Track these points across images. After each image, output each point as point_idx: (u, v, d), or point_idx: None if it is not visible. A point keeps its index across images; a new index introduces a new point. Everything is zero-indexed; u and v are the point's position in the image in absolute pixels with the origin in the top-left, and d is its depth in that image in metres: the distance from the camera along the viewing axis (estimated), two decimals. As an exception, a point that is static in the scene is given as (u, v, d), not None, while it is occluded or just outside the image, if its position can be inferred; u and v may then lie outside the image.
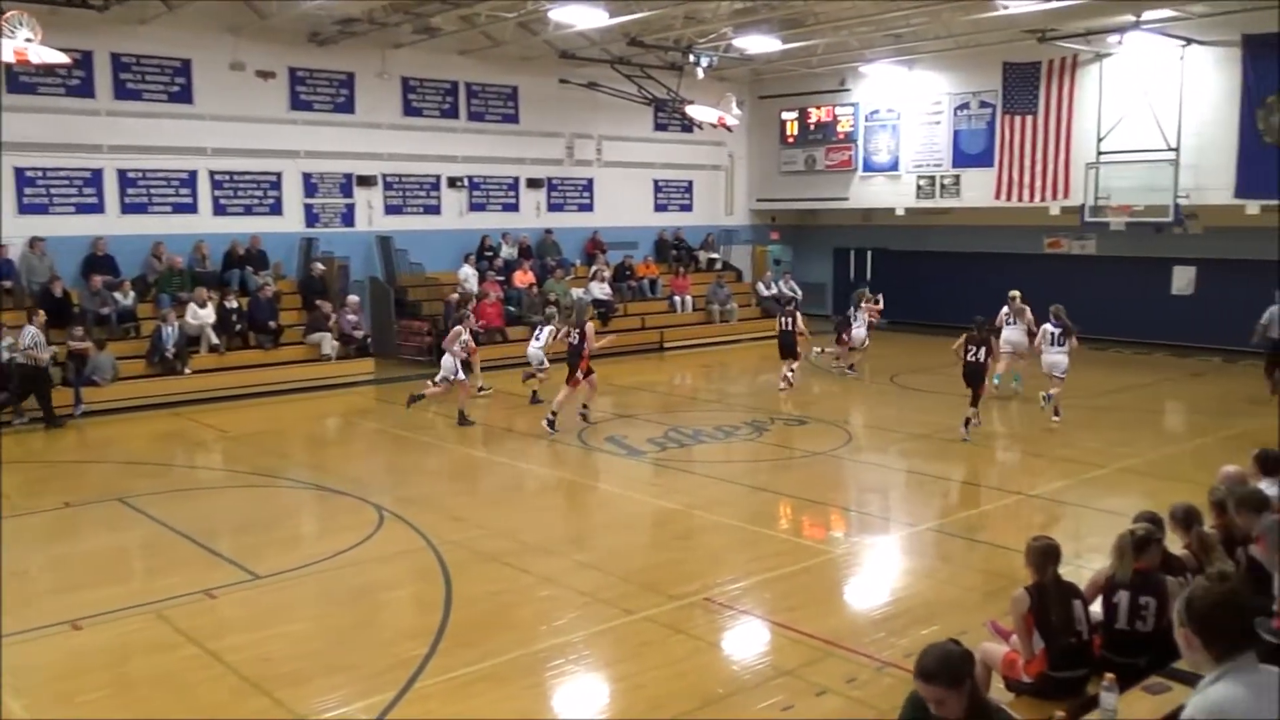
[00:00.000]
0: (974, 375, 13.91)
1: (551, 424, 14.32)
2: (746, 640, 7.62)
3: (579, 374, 14.51)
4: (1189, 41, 19.68)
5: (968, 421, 13.86)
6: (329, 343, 18.68)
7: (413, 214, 22.25)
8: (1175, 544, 6.20)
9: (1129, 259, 22.15)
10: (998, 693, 5.56)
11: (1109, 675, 4.62)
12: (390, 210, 21.90)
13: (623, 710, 6.47)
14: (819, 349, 20.23)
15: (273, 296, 18.88)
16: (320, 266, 19.92)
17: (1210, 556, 5.93)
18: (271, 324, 18.57)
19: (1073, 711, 4.62)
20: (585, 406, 14.97)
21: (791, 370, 17.68)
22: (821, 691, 6.48)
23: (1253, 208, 19.36)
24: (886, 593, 8.60)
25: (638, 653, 7.18)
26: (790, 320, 17.66)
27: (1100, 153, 21.09)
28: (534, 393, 16.75)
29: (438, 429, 15.18)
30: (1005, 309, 16.62)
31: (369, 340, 19.69)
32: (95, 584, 8.57)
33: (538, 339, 16.79)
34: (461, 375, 15.27)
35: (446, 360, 15.27)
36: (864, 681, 6.62)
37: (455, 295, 20.57)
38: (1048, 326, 14.84)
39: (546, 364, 16.64)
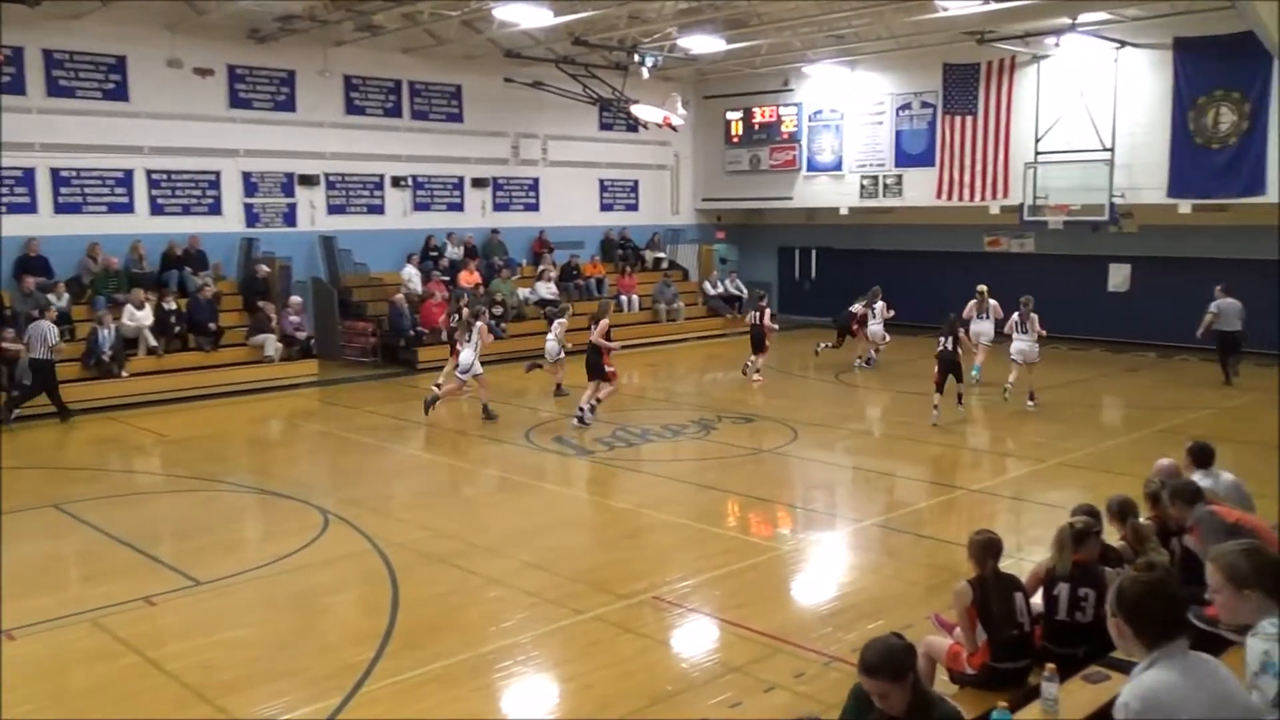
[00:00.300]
0: (948, 364, 14.71)
1: (592, 409, 14.72)
2: (695, 638, 7.65)
3: (609, 369, 14.77)
4: (1123, 44, 20.12)
5: (960, 396, 15.17)
6: (272, 344, 18.42)
7: (356, 214, 22.01)
8: (1112, 535, 6.34)
9: (1067, 257, 22.59)
10: (942, 685, 5.65)
11: (1050, 665, 4.70)
12: (333, 210, 21.64)
13: (572, 710, 6.46)
14: (823, 344, 20.37)
15: (213, 298, 18.56)
16: (265, 268, 19.61)
17: (1145, 547, 6.06)
18: (211, 326, 18.25)
19: (1015, 701, 4.69)
20: (561, 387, 15.43)
21: (752, 362, 18.44)
22: (770, 688, 6.52)
23: (1184, 207, 19.85)
24: (833, 588, 8.69)
25: (586, 652, 7.17)
26: (760, 315, 18.47)
27: (1038, 153, 21.48)
28: (558, 385, 17.07)
29: (382, 431, 15.03)
30: (973, 302, 17.34)
31: (312, 342, 19.44)
32: (29, 593, 8.33)
33: (553, 332, 17.22)
34: (476, 370, 15.08)
35: (466, 355, 14.98)
36: (811, 676, 6.68)
37: (400, 295, 20.43)
38: (1016, 316, 15.84)
39: (563, 355, 17.02)
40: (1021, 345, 15.72)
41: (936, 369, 14.72)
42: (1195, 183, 19.61)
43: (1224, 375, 17.70)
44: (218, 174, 19.94)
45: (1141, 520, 6.42)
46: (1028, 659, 5.43)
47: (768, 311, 18.71)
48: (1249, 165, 18.90)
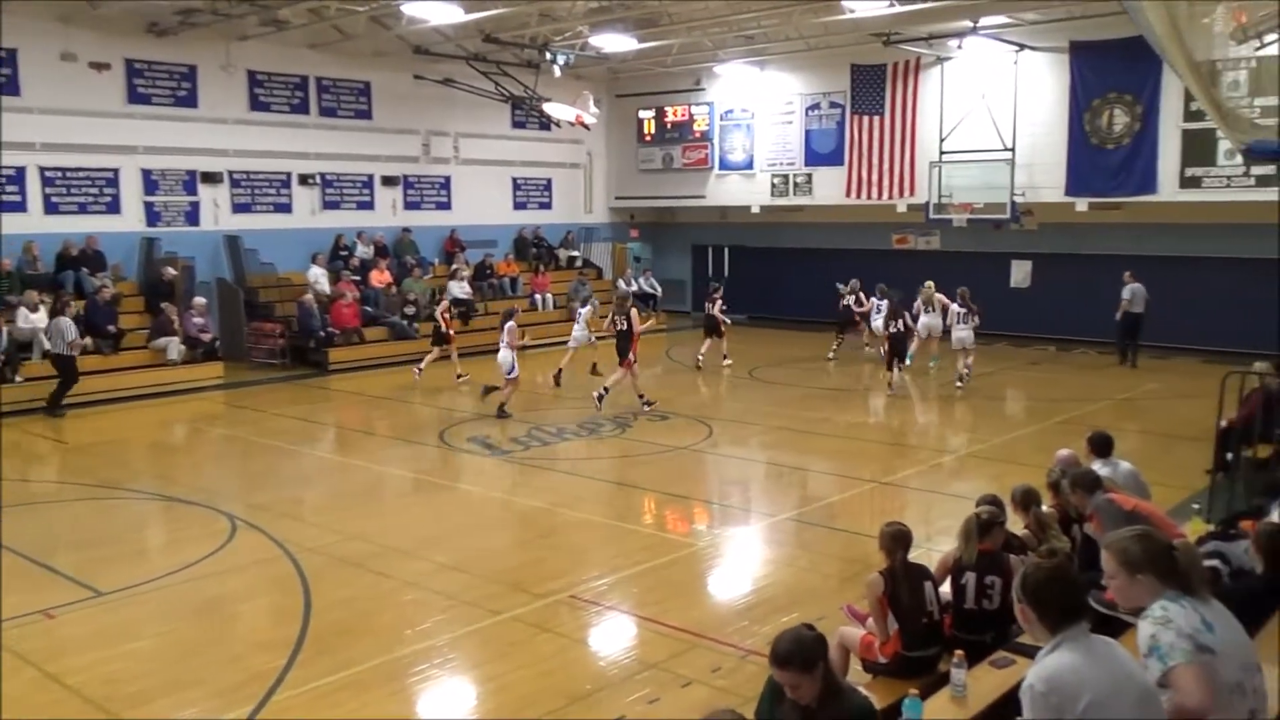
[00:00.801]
0: (897, 344, 16.94)
1: (601, 399, 15.34)
2: (613, 636, 7.66)
3: (631, 356, 15.55)
4: (1022, 47, 20.72)
5: (890, 383, 16.77)
6: (175, 347, 17.90)
7: (262, 212, 21.51)
8: (1017, 524, 6.52)
9: (971, 254, 23.14)
10: (855, 674, 5.76)
11: (958, 652, 4.82)
12: (238, 209, 21.12)
13: (490, 711, 6.43)
14: (833, 350, 20.70)
15: (112, 299, 17.95)
16: (172, 271, 19.01)
17: (1047, 535, 6.26)
18: (111, 328, 17.65)
19: (926, 688, 4.80)
20: (643, 396, 15.67)
21: (703, 353, 19.81)
22: (687, 683, 6.57)
23: (1081, 205, 20.55)
24: (749, 582, 8.78)
25: (504, 653, 7.13)
26: (713, 305, 19.76)
27: (943, 152, 21.99)
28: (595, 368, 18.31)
29: (291, 434, 14.73)
30: (922, 298, 18.29)
31: (217, 344, 18.95)
32: (-82, 609, 7.98)
33: (578, 320, 18.37)
34: (516, 371, 15.47)
35: (505, 355, 15.33)
36: (729, 670, 6.74)
37: (309, 295, 20.06)
38: (954, 307, 17.32)
39: (594, 340, 18.40)
40: (961, 334, 17.09)
41: (887, 348, 17.15)
42: (1091, 182, 20.31)
43: (1121, 356, 19.10)
44: (116, 171, 19.29)
45: (1044, 509, 6.62)
46: (938, 646, 5.56)
47: (719, 302, 19.70)
48: (1141, 165, 19.64)
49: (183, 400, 17.35)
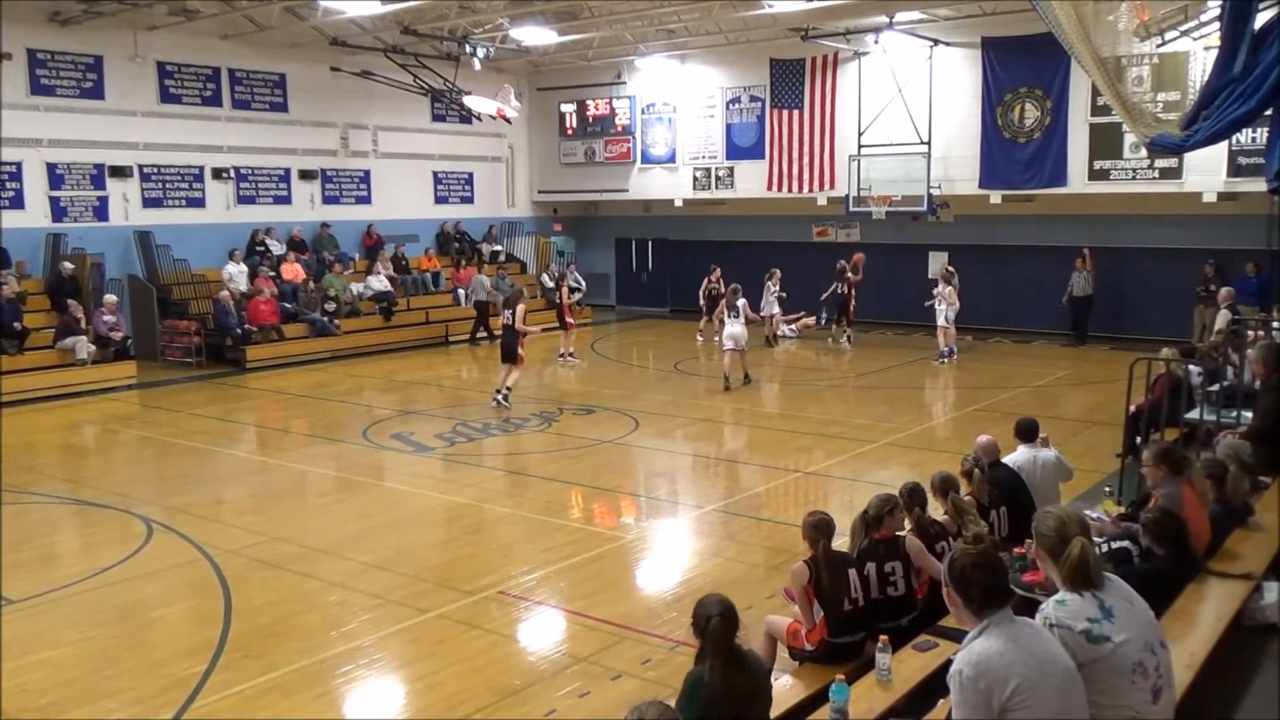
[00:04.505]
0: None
1: (504, 399, 15.33)
2: (542, 631, 7.66)
3: (520, 352, 15.49)
4: (936, 43, 21.12)
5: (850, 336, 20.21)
6: (84, 347, 17.37)
7: (174, 207, 20.95)
8: (937, 510, 6.67)
9: (890, 245, 23.52)
10: (783, 661, 5.84)
11: (883, 637, 4.92)
12: (149, 203, 20.52)
13: (419, 710, 6.38)
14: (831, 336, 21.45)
15: (15, 298, 17.34)
16: (69, 266, 18.39)
17: (964, 520, 6.40)
18: (17, 326, 17.06)
19: (852, 673, 4.89)
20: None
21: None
22: (617, 675, 6.60)
23: (995, 197, 21.04)
24: (677, 574, 8.83)
25: (432, 651, 7.08)
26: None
27: (861, 146, 22.30)
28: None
29: (209, 434, 14.40)
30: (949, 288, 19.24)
31: (129, 343, 18.43)
32: None
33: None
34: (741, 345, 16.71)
35: (739, 330, 16.39)
36: (658, 662, 6.79)
37: (224, 293, 19.59)
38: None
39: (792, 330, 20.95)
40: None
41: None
42: (1004, 174, 20.82)
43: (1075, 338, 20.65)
44: (19, 165, 18.61)
45: (962, 495, 6.77)
46: (863, 632, 5.65)
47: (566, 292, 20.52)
48: (1051, 158, 20.18)
49: (94, 401, 16.86)
